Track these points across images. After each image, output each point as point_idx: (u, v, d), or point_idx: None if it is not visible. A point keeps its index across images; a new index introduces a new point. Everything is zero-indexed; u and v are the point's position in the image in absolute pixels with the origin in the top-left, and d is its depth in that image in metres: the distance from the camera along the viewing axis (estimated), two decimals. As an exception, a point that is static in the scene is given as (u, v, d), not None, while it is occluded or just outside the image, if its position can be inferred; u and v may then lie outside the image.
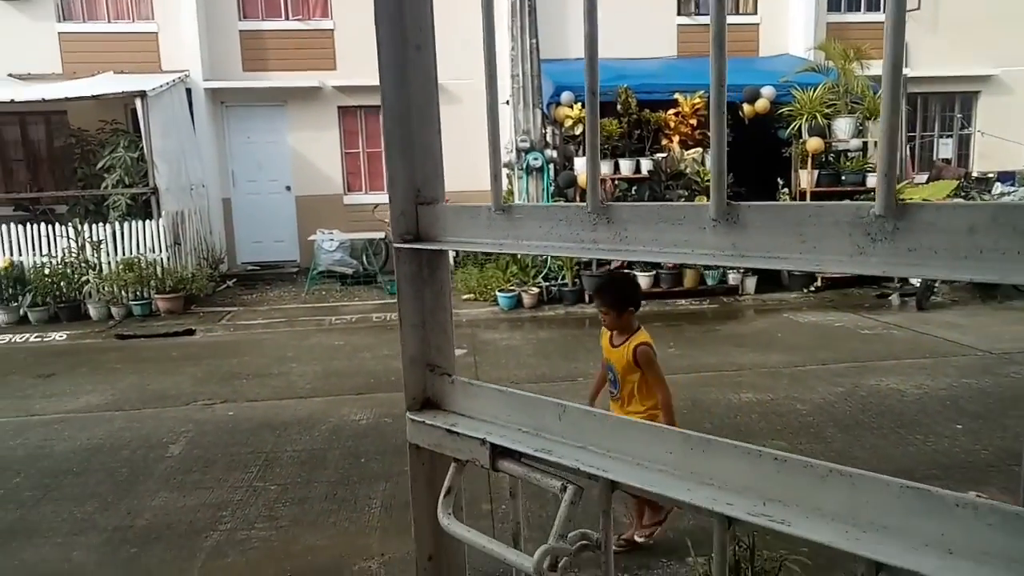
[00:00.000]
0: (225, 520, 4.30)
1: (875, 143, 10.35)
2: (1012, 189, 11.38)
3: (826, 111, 9.84)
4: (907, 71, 12.50)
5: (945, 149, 13.12)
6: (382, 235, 11.99)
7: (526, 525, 3.27)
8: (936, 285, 9.29)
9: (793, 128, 9.94)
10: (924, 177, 11.19)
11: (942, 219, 0.54)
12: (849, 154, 10.35)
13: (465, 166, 12.33)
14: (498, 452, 0.84)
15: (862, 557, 0.59)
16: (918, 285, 9.43)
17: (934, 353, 7.20)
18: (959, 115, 13.15)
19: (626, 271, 9.87)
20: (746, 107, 9.96)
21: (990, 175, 12.33)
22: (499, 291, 9.70)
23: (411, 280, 0.93)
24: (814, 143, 9.79)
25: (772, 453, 0.68)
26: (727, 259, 0.65)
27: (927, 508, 0.58)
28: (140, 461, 5.20)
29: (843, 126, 9.99)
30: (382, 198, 12.80)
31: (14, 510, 4.48)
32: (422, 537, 0.98)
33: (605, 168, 9.87)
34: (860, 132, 10.27)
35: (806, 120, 9.80)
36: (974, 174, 12.82)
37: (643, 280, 9.85)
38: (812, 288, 10.06)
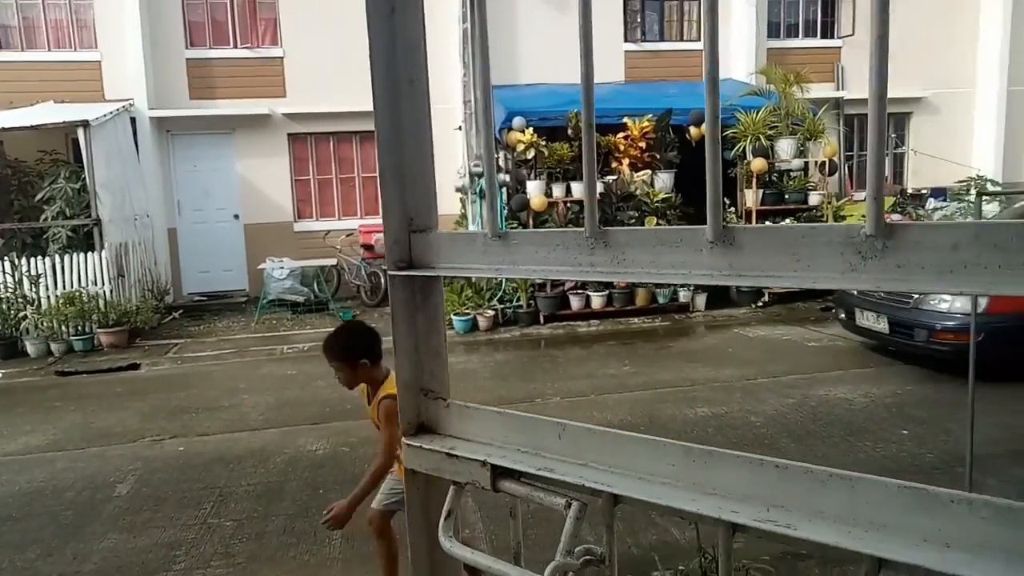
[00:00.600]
0: (179, 560, 4.17)
1: (816, 163, 10.76)
2: (943, 204, 11.92)
3: (769, 132, 10.19)
4: (843, 94, 13.06)
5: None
6: (333, 262, 11.88)
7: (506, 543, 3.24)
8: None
9: (738, 149, 10.25)
10: (863, 195, 11.63)
11: (928, 237, 0.59)
12: (791, 173, 10.72)
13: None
14: (499, 473, 0.85)
15: (865, 555, 0.62)
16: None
17: (878, 363, 7.46)
18: (893, 135, 13.76)
19: (578, 291, 10.00)
20: (693, 130, 10.24)
21: (923, 191, 12.90)
22: (454, 314, 9.69)
23: (405, 306, 0.95)
24: (758, 164, 10.11)
25: (773, 461, 0.71)
26: (724, 279, 0.69)
27: (923, 505, 0.62)
28: (86, 503, 5.01)
29: (785, 147, 10.36)
30: (333, 225, 12.71)
31: (-48, 559, 4.26)
32: (419, 562, 0.98)
33: (557, 191, 10.00)
34: (801, 152, 10.66)
35: (750, 141, 10.12)
36: (909, 190, 13.39)
37: (596, 299, 9.98)
38: (760, 303, 10.33)
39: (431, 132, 0.92)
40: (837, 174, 11.62)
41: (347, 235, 12.29)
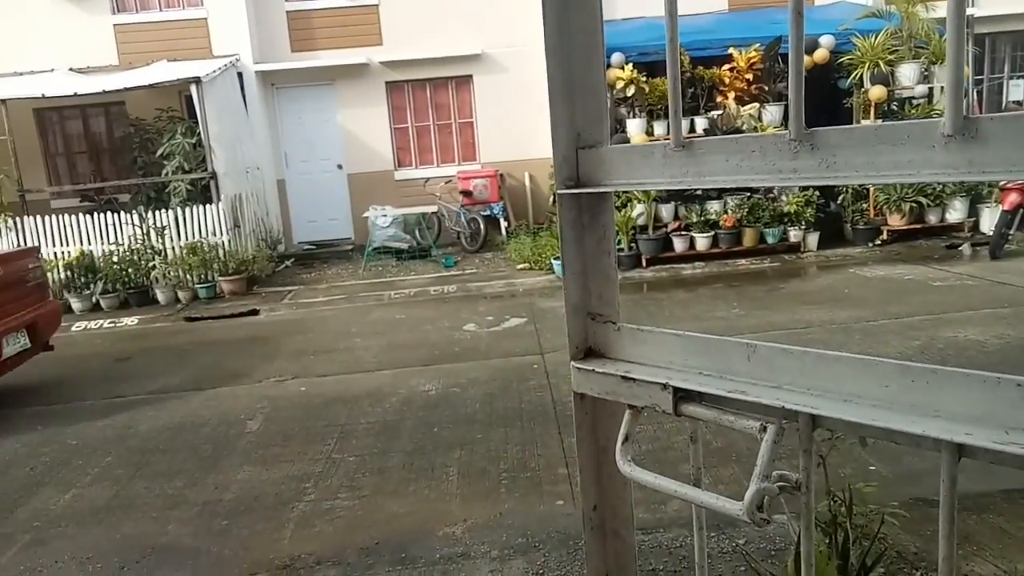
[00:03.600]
0: (309, 491, 4.41)
1: (942, 88, 9.92)
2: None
3: (889, 58, 9.45)
4: (972, 11, 11.92)
5: (1016, 91, 12.49)
6: (434, 209, 12.04)
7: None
8: (1010, 233, 8.91)
9: (854, 77, 9.58)
10: (994, 122, 10.70)
11: None
12: (914, 101, 9.94)
13: (512, 137, 12.28)
14: (680, 396, 0.82)
15: None
16: (991, 233, 9.07)
17: (1013, 302, 6.94)
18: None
19: (682, 232, 9.74)
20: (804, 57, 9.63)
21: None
22: (554, 259, 9.66)
23: (572, 226, 0.91)
24: (877, 92, 9.43)
25: (1014, 380, 0.64)
26: (962, 175, 0.62)
27: None
28: (221, 438, 5.35)
29: (907, 72, 9.60)
30: (432, 172, 12.84)
31: (110, 487, 4.66)
32: (587, 487, 0.97)
33: (659, 129, 9.69)
34: (926, 78, 9.85)
35: (868, 68, 9.43)
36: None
37: (701, 241, 9.70)
38: (877, 242, 9.77)
39: (603, 40, 0.87)
40: (966, 99, 10.70)
41: (446, 182, 12.40)
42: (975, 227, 9.76)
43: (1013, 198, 8.39)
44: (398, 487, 4.39)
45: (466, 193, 11.99)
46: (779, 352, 0.78)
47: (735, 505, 0.72)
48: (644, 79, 9.63)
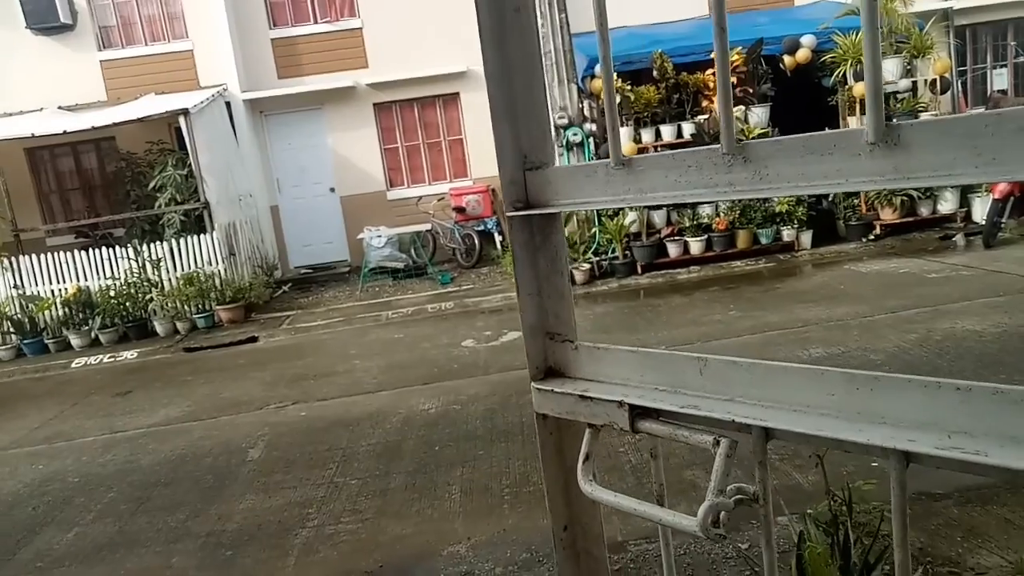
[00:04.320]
0: (312, 517, 4.40)
1: (926, 81, 9.98)
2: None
3: (871, 53, 9.49)
4: (952, 3, 11.99)
5: (1000, 80, 12.54)
6: (428, 227, 12.06)
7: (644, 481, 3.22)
8: (1003, 221, 8.92)
9: (837, 75, 9.63)
10: (980, 111, 10.74)
11: None
12: (898, 95, 9.97)
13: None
14: (638, 413, 0.82)
15: (1073, 483, 0.55)
16: (983, 223, 9.08)
17: (1009, 290, 6.93)
18: (1013, 43, 12.55)
19: (676, 237, 9.76)
20: (787, 59, 9.69)
21: (1050, 101, 11.77)
22: (551, 271, 9.67)
23: (525, 248, 0.91)
24: (861, 88, 9.45)
25: (953, 383, 0.64)
26: (889, 183, 0.62)
27: None
28: (223, 467, 5.34)
29: (890, 67, 9.63)
30: (424, 191, 12.88)
31: (112, 523, 4.65)
32: (556, 507, 0.97)
33: (646, 136, 9.72)
34: (908, 72, 9.89)
35: (850, 65, 9.48)
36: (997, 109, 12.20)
37: (695, 245, 9.71)
38: (871, 237, 9.78)
39: (541, 63, 0.87)
40: (950, 91, 10.73)
41: (438, 199, 12.44)
42: (967, 217, 9.77)
43: (1003, 187, 8.40)
44: (401, 508, 4.37)
45: (459, 210, 12.02)
46: (730, 365, 0.78)
47: (691, 521, 0.72)
48: (629, 87, 9.68)
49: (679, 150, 0.74)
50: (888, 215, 9.77)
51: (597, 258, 9.88)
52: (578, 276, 9.65)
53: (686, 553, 3.48)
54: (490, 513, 4.14)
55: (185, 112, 10.22)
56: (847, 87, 9.69)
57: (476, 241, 11.84)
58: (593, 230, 10.09)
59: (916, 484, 3.77)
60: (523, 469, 4.61)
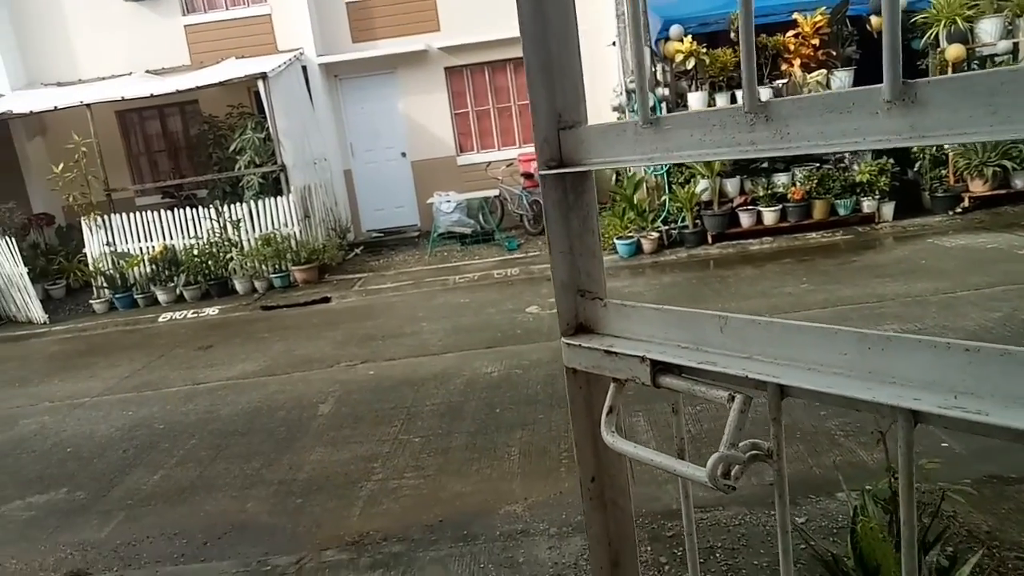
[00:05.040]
0: (377, 471, 4.58)
1: (1028, 42, 9.30)
2: None
3: (968, 13, 8.92)
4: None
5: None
6: (496, 192, 12.11)
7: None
8: (1108, 195, 8.32)
9: (929, 36, 9.09)
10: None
11: None
12: (996, 59, 9.35)
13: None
14: (659, 368, 0.84)
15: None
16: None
17: (1109, 269, 6.51)
18: None
19: (749, 207, 9.51)
20: (874, 20, 9.20)
21: None
22: (617, 239, 9.60)
23: (557, 206, 0.94)
24: (954, 51, 8.92)
25: (962, 344, 0.64)
26: (904, 141, 0.62)
27: None
28: (295, 421, 5.60)
29: (988, 28, 9.02)
30: (493, 156, 12.90)
31: (194, 469, 4.96)
32: (584, 459, 1.00)
33: (722, 101, 9.45)
34: (1009, 32, 9.24)
35: (944, 26, 8.93)
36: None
37: (768, 215, 9.45)
38: (958, 210, 9.29)
39: (576, 22, 0.89)
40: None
41: (507, 165, 12.45)
42: (1069, 189, 9.15)
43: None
44: (461, 467, 4.50)
45: (527, 176, 12.00)
46: (749, 323, 0.79)
47: (702, 472, 0.74)
48: (704, 50, 9.40)
49: (704, 109, 0.75)
50: (978, 187, 9.25)
51: (666, 227, 9.74)
52: (646, 245, 9.54)
53: (740, 524, 3.48)
54: (547, 476, 4.22)
55: (263, 76, 10.50)
56: (939, 50, 9.14)
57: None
58: (663, 198, 9.93)
59: (988, 467, 3.64)
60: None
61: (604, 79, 11.26)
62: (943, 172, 9.52)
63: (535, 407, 5.22)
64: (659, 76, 9.73)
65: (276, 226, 10.74)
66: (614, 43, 10.63)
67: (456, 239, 11.82)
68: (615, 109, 11.14)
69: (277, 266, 10.54)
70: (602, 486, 1.01)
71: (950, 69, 9.03)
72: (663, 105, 9.65)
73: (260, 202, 10.81)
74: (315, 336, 7.98)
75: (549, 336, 6.77)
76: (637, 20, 0.81)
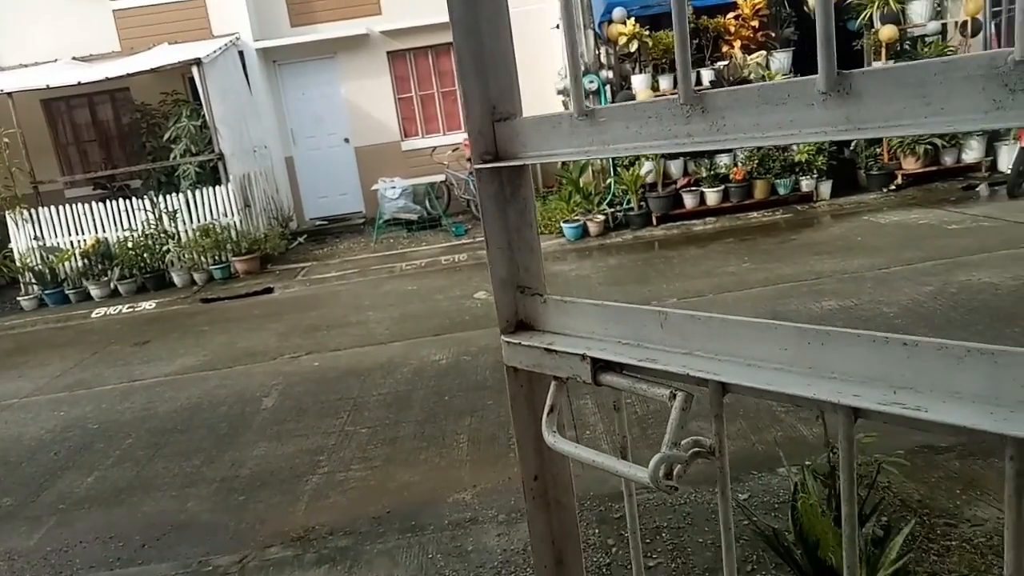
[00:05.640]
0: (322, 464, 4.50)
1: (956, 23, 9.64)
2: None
3: (898, -4, 9.17)
4: (986, -59, 11.46)
5: (1033, 23, 12.06)
6: (442, 178, 12.00)
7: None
8: (1029, 171, 8.70)
9: (864, 17, 9.31)
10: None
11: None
12: (927, 39, 9.64)
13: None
14: (599, 366, 0.82)
15: (1009, 437, 0.55)
16: (1008, 172, 8.87)
17: (1031, 243, 6.81)
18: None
19: (692, 188, 9.63)
20: (811, 1, 9.37)
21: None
22: (563, 222, 9.62)
23: (494, 200, 0.91)
24: (887, 31, 9.17)
25: (900, 338, 0.63)
26: (840, 133, 0.60)
27: (1086, 381, 0.53)
28: (237, 415, 5.46)
29: (918, 9, 9.30)
30: (438, 141, 12.77)
31: (131, 468, 4.79)
32: (526, 458, 0.98)
33: (665, 83, 9.53)
34: (938, 13, 9.54)
35: (877, 7, 9.16)
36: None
37: (711, 196, 9.60)
38: (892, 187, 9.59)
39: (508, 9, 0.85)
40: (982, 33, 10.35)
41: (453, 150, 12.33)
42: (992, 167, 9.53)
43: (1031, 135, 8.17)
44: (409, 456, 4.46)
45: (473, 160, 11.91)
46: (688, 319, 0.77)
47: (643, 472, 0.73)
48: (647, 33, 9.45)
49: (639, 101, 0.73)
50: (911, 164, 9.56)
51: (612, 209, 9.80)
52: (592, 228, 9.59)
53: (686, 503, 3.53)
54: (496, 462, 4.21)
55: (198, 62, 10.15)
56: (873, 30, 9.38)
57: (490, 192, 11.76)
58: (608, 180, 9.99)
59: (920, 437, 3.77)
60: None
61: (550, 62, 11.23)
62: (877, 150, 9.80)
63: (484, 393, 5.20)
64: (603, 59, 9.75)
65: (215, 216, 10.44)
66: (558, 26, 10.57)
67: (402, 225, 11.69)
68: (560, 92, 11.12)
69: (217, 257, 10.25)
70: (545, 485, 0.99)
71: (883, 49, 9.29)
72: (607, 88, 9.67)
73: (197, 192, 10.48)
74: (257, 328, 7.80)
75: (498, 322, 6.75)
76: (570, 13, 0.77)
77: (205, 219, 10.39)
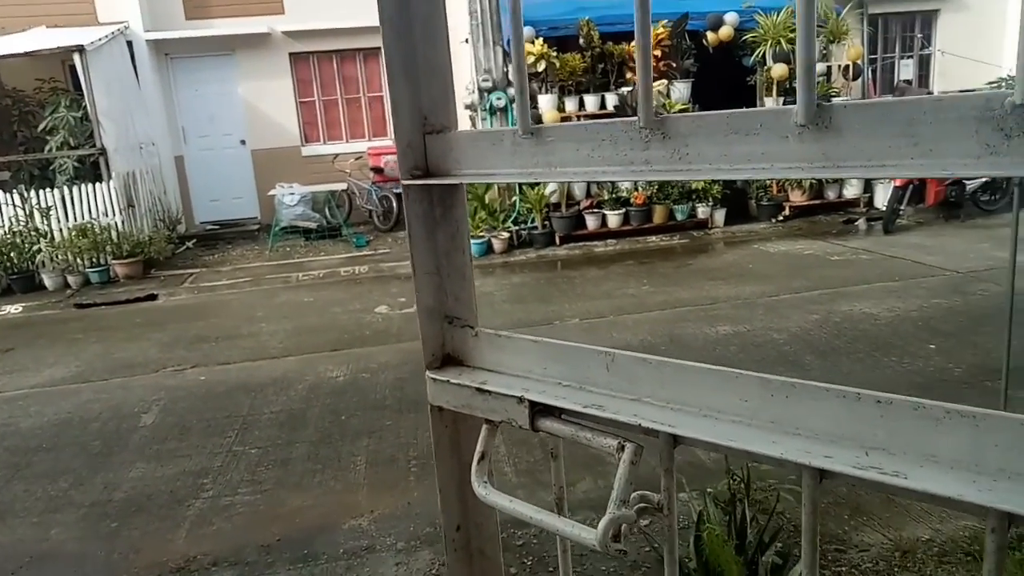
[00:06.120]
0: (207, 487, 4.21)
1: (839, 67, 10.29)
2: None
3: (790, 35, 9.70)
4: (868, -8, 12.35)
5: (906, 70, 13.08)
6: (344, 186, 11.69)
7: (514, 471, 3.21)
8: (902, 208, 9.38)
9: (757, 55, 9.80)
10: (889, 98, 11.16)
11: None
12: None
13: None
14: (538, 410, 0.74)
15: (993, 510, 0.51)
16: (884, 209, 9.52)
17: (903, 275, 7.29)
18: (919, 35, 13.10)
19: (594, 210, 9.80)
20: (710, 35, 9.78)
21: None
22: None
23: (422, 221, 0.82)
24: (779, 70, 9.68)
25: (873, 395, 0.59)
26: (818, 171, 0.55)
27: (1073, 449, 0.50)
28: (112, 433, 5.05)
29: (807, 52, 9.86)
30: (341, 148, 12.46)
31: (-15, 491, 4.32)
32: (449, 507, 0.89)
33: (570, 105, 9.67)
34: (824, 56, 10.17)
35: (771, 46, 9.66)
36: (936, 94, 12.80)
37: (613, 218, 9.79)
38: (780, 218, 10.10)
39: (445, 10, 0.77)
40: (861, 78, 11.12)
41: (356, 158, 12.06)
42: (870, 203, 10.22)
43: (903, 174, 8.79)
44: (302, 479, 4.24)
45: (377, 170, 11.68)
46: (638, 362, 0.71)
47: (590, 534, 0.65)
48: (555, 54, 9.57)
49: (594, 121, 0.66)
50: (797, 197, 10.10)
51: (517, 227, 9.82)
52: (497, 245, 9.57)
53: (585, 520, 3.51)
54: (395, 485, 4.06)
55: (80, 49, 9.46)
56: (766, 68, 9.88)
57: (394, 203, 11.56)
58: (513, 199, 10.02)
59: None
60: (431, 441, 4.54)
61: (458, 76, 11.17)
62: (767, 182, 10.30)
63: (383, 413, 5.03)
64: (510, 76, 9.79)
65: (94, 215, 9.72)
66: (467, 40, 10.56)
67: (300, 233, 11.29)
68: (468, 107, 11.09)
69: (95, 259, 9.54)
70: (468, 535, 0.90)
71: (775, 86, 9.79)
72: (513, 105, 9.71)
73: (75, 188, 9.74)
74: (138, 337, 7.28)
75: (399, 337, 6.59)
76: (519, 28, 0.70)
77: (83, 218, 9.66)
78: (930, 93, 12.32)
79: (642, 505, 0.69)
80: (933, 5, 13.05)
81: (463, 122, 11.00)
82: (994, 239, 8.45)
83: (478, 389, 0.78)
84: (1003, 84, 11.11)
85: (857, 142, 0.54)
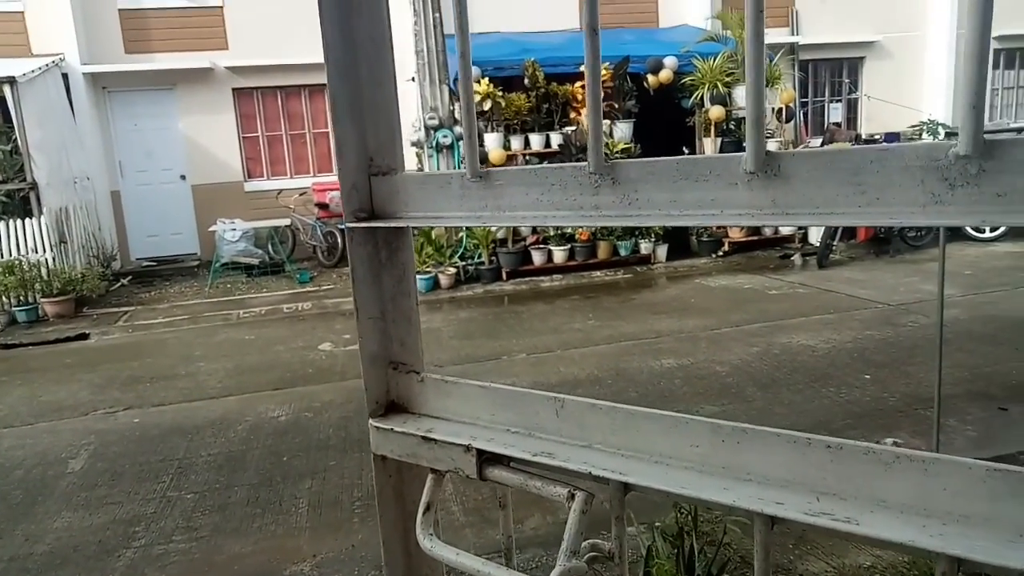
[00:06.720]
0: (139, 536, 4.01)
1: (773, 109, 10.70)
2: (897, 150, 11.96)
3: (727, 79, 10.06)
4: (798, 39, 12.97)
5: (835, 113, 13.70)
6: (287, 222, 11.53)
7: (461, 510, 3.14)
8: (834, 244, 9.72)
9: (696, 97, 10.12)
10: (818, 141, 11.66)
11: (1040, 156, 0.46)
12: (749, 121, 10.59)
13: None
14: (486, 459, 0.72)
15: (944, 555, 0.51)
16: (818, 245, 9.85)
17: (838, 308, 7.52)
18: (847, 80, 13.75)
19: (540, 245, 9.88)
20: (650, 78, 10.06)
21: (877, 136, 12.97)
22: (415, 273, 9.50)
23: (367, 265, 0.80)
24: (716, 112, 10.01)
25: (824, 440, 0.59)
26: (767, 218, 0.56)
27: (1018, 493, 0.51)
28: (36, 481, 4.78)
29: (742, 94, 10.20)
30: (285, 184, 12.30)
31: None
32: (393, 559, 0.85)
33: (516, 144, 9.78)
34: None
35: (708, 89, 9.99)
36: (863, 136, 13.45)
37: (558, 254, 9.88)
38: (720, 253, 10.35)
39: (392, 51, 0.76)
40: (793, 121, 11.59)
41: (300, 194, 11.92)
42: (804, 238, 10.57)
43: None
44: (241, 524, 4.07)
45: (322, 206, 11.56)
46: (588, 407, 0.70)
47: (540, 589, 0.63)
48: (500, 93, 9.70)
49: (543, 165, 0.65)
50: (736, 233, 10.38)
51: (463, 263, 9.81)
52: (444, 280, 9.54)
53: (538, 567, 3.45)
54: (339, 528, 3.94)
55: (11, 80, 9.17)
56: (704, 109, 10.20)
57: (339, 239, 11.44)
58: (460, 235, 10.02)
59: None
60: (375, 490, 4.44)
61: (404, 114, 11.21)
62: (707, 219, 10.57)
63: (326, 453, 4.90)
64: (457, 114, 9.87)
65: (23, 252, 9.33)
66: (413, 79, 10.62)
67: (242, 270, 11.04)
68: (414, 144, 11.11)
69: (22, 298, 9.13)
70: (414, 589, 0.87)
71: (713, 127, 10.11)
72: (460, 143, 9.77)
73: (3, 223, 9.34)
74: (67, 379, 6.96)
75: (343, 375, 6.46)
76: (468, 71, 0.69)
77: (11, 254, 9.26)
78: (858, 135, 12.94)
79: (593, 554, 0.67)
80: (859, 52, 13.76)
81: (409, 160, 11.00)
82: (922, 273, 8.83)
83: (424, 437, 0.76)
84: (924, 127, 11.72)
85: (805, 190, 0.55)
